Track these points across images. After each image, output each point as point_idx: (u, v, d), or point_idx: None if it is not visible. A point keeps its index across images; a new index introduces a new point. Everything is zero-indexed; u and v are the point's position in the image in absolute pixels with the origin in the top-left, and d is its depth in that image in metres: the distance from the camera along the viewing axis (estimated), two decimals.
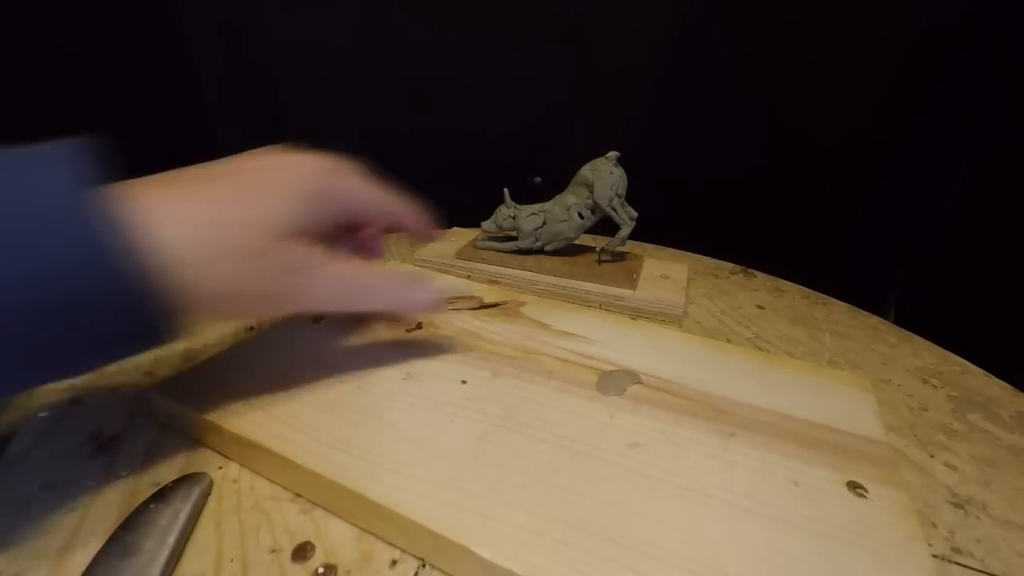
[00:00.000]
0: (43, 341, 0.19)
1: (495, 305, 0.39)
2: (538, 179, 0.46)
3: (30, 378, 0.21)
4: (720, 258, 0.53)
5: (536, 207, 0.45)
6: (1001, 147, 0.49)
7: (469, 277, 0.46)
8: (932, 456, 0.29)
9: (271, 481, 0.26)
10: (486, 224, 0.48)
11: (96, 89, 0.51)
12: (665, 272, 0.46)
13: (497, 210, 0.47)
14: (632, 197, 0.43)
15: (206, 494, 0.25)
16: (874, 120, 0.53)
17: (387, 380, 0.30)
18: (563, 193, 0.45)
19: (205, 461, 0.27)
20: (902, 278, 0.57)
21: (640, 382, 0.30)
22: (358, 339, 0.34)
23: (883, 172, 0.54)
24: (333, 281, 0.25)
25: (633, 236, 0.44)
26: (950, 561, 0.23)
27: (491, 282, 0.45)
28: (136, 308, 0.20)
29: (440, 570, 0.22)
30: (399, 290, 0.28)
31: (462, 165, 0.64)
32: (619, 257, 0.47)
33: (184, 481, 0.24)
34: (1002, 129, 0.49)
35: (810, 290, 0.48)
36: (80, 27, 0.49)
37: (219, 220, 0.21)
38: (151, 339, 0.21)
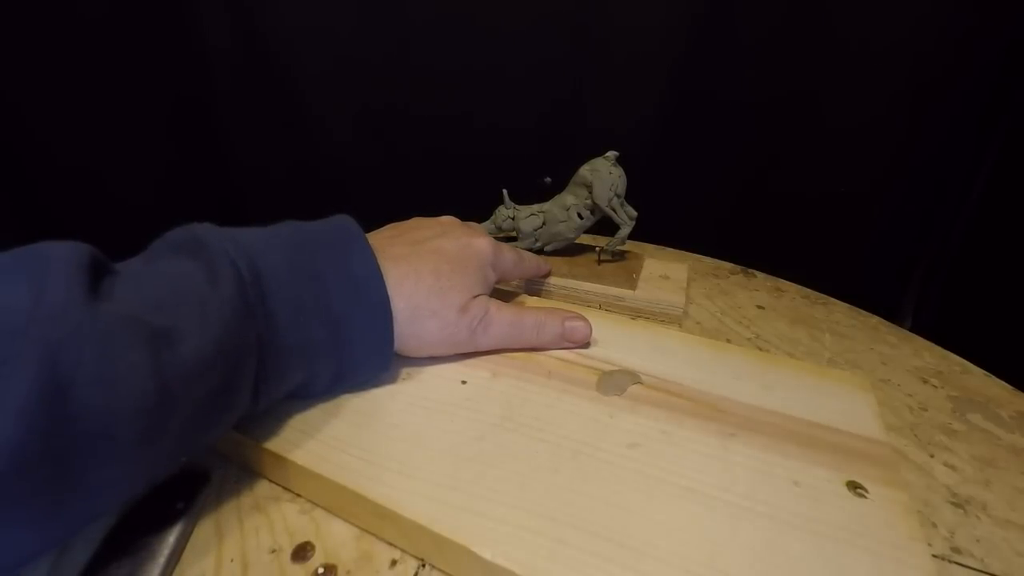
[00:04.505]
0: (310, 375, 0.26)
1: None
2: (548, 179, 0.46)
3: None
4: (720, 258, 0.53)
5: (535, 208, 0.45)
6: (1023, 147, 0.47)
7: None
8: (932, 456, 0.29)
9: (271, 481, 0.26)
10: (485, 225, 0.48)
11: (107, 66, 0.51)
12: (665, 272, 0.46)
13: (496, 211, 0.47)
14: (633, 196, 0.43)
15: (206, 494, 0.25)
16: (890, 119, 0.51)
17: (387, 380, 0.30)
18: (562, 193, 0.45)
19: (205, 461, 0.26)
20: (919, 284, 0.56)
21: (640, 382, 0.30)
22: None
23: (899, 173, 0.52)
24: (505, 326, 0.32)
25: (633, 236, 0.44)
26: (950, 561, 0.23)
27: None
28: (384, 353, 0.28)
29: (440, 570, 0.22)
30: (559, 327, 0.33)
31: (462, 165, 0.64)
32: (619, 257, 0.47)
33: (184, 481, 0.24)
34: None
35: (810, 290, 0.48)
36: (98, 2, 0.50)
37: (430, 289, 0.29)
38: (368, 375, 0.29)
